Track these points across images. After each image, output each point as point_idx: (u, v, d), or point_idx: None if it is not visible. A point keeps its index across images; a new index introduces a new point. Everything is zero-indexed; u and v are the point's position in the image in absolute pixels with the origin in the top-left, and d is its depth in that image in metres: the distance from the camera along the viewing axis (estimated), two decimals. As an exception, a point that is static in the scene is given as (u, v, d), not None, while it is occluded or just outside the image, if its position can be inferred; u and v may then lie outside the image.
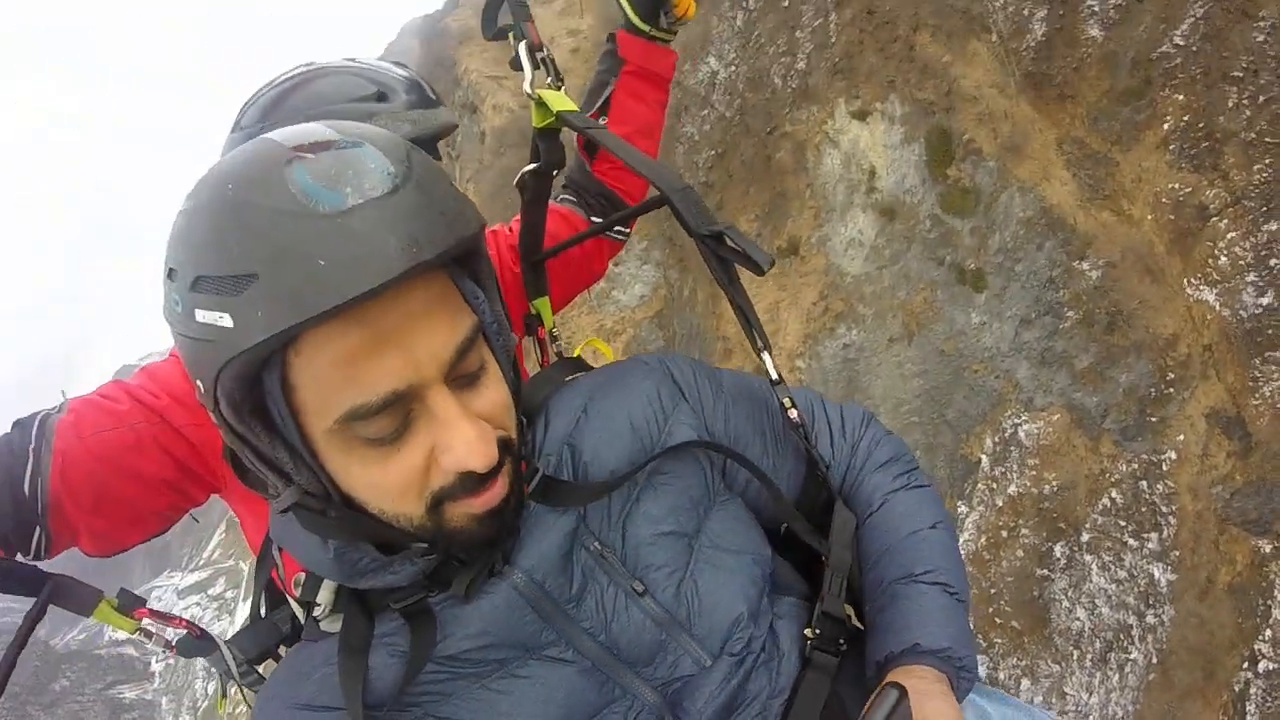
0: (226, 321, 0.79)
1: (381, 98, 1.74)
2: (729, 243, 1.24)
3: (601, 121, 1.99)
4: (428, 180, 0.87)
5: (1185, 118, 11.22)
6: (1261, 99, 10.48)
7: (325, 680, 1.05)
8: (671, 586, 1.15)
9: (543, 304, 1.84)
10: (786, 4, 15.71)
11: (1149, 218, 11.53)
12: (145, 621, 1.44)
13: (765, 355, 1.32)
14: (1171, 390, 9.27)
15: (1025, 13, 13.75)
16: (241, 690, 1.48)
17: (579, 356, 1.60)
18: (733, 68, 16.43)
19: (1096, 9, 12.91)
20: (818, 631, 1.21)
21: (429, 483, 0.94)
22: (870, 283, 12.24)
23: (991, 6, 14.31)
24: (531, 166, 1.66)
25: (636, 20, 1.98)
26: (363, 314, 0.81)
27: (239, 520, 1.82)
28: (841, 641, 1.21)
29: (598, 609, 1.12)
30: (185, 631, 1.50)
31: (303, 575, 1.14)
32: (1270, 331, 9.75)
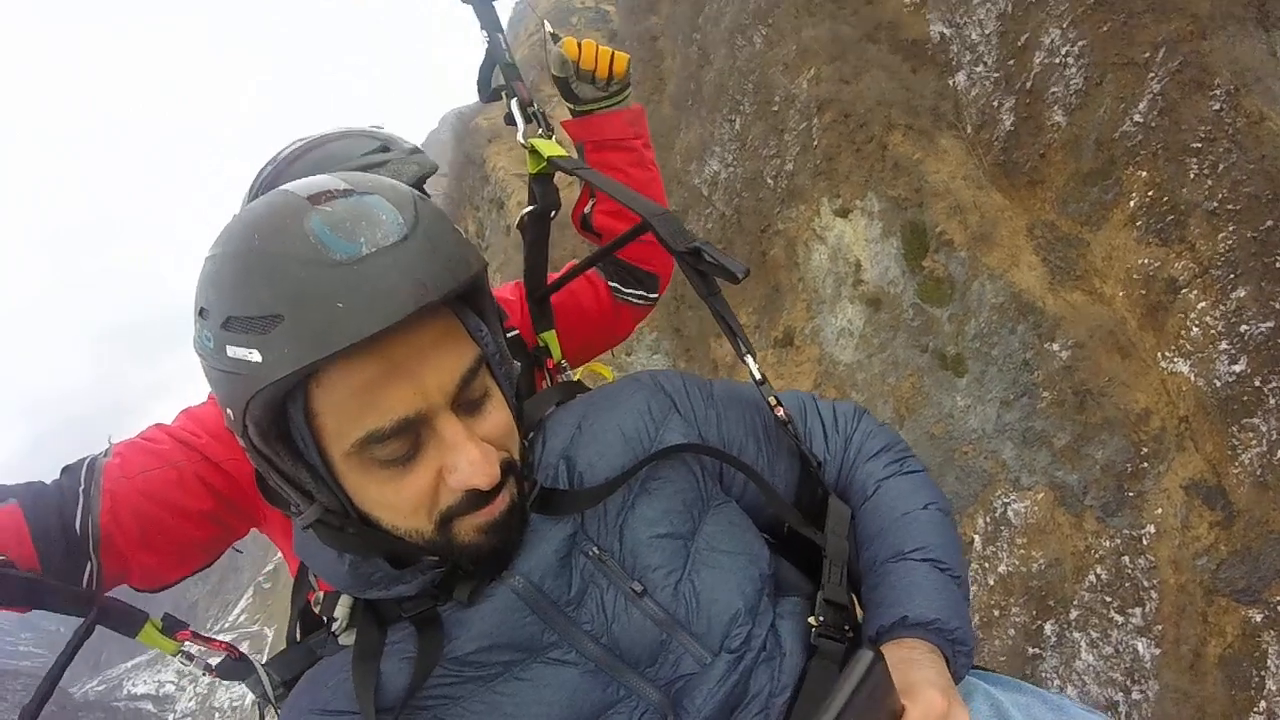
0: (256, 357, 0.89)
1: (385, 149, 1.87)
2: (706, 257, 1.31)
3: (590, 206, 2.11)
4: (434, 228, 0.98)
5: (1150, 193, 11.70)
6: (1220, 167, 10.92)
7: (340, 687, 1.12)
8: (669, 586, 1.17)
9: (550, 337, 1.92)
10: (776, 109, 16.44)
11: (1120, 294, 11.90)
12: (187, 644, 1.50)
13: (748, 359, 1.36)
14: (1146, 465, 9.48)
15: (995, 104, 14.40)
16: (276, 713, 1.52)
17: (578, 380, 1.72)
18: (731, 169, 17.11)
19: (1060, 94, 13.52)
20: (821, 619, 1.21)
21: (438, 501, 1.03)
22: (861, 370, 12.63)
23: (963, 100, 14.96)
24: (529, 209, 1.79)
25: (569, 105, 2.10)
26: (377, 348, 0.92)
27: (280, 551, 1.90)
28: (847, 628, 1.22)
29: (598, 611, 1.15)
30: (225, 654, 1.56)
31: (321, 594, 1.25)
32: (1245, 398, 9.98)
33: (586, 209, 2.11)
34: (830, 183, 17.15)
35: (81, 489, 1.54)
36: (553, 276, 2.03)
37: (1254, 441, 10.91)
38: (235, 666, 1.54)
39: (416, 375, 0.96)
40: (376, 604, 1.17)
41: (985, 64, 16.93)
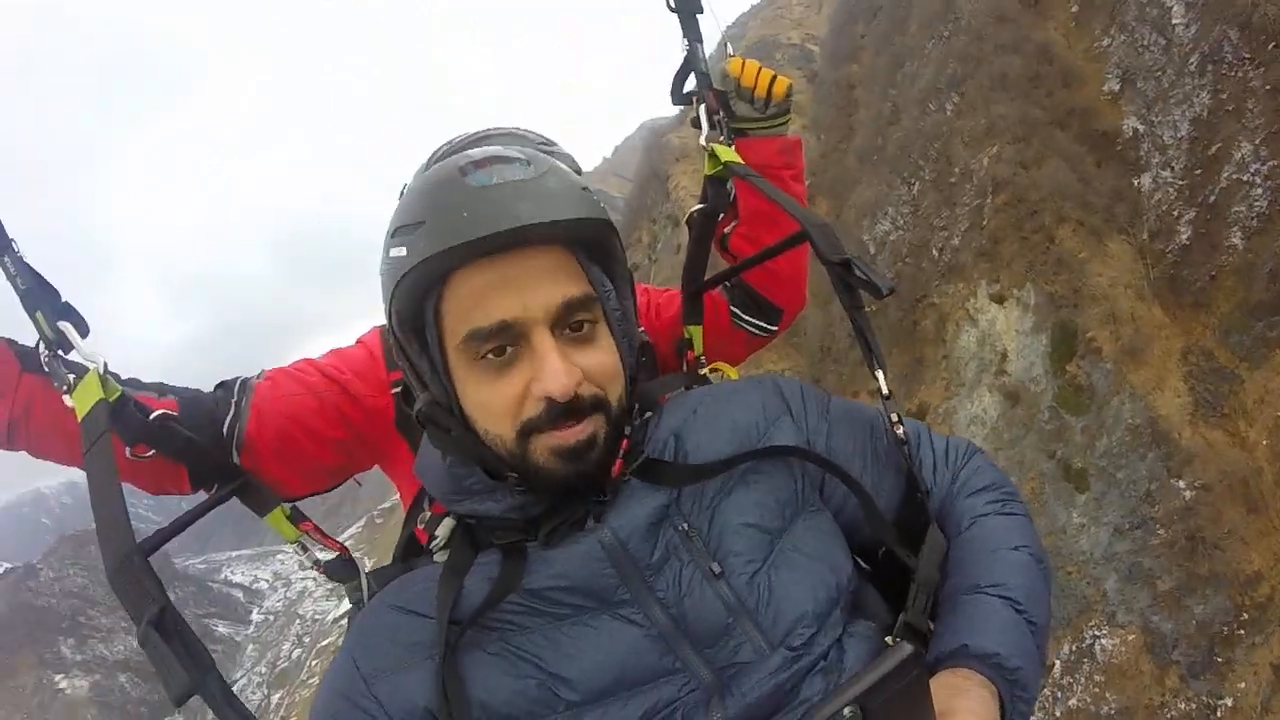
0: (403, 252, 1.11)
1: (549, 144, 1.92)
2: (856, 271, 1.35)
3: (730, 229, 2.19)
4: (560, 181, 1.16)
5: (1320, 338, 11.17)
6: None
7: (424, 593, 1.22)
8: (747, 574, 1.19)
9: (696, 331, 1.99)
10: (953, 181, 16.33)
11: (1264, 442, 11.44)
12: (306, 536, 1.58)
13: (879, 373, 1.39)
14: (1243, 632, 9.21)
15: (1175, 214, 13.99)
16: None
17: (705, 374, 1.82)
18: (901, 233, 17.14)
19: (1242, 215, 13.03)
20: (897, 640, 1.22)
21: (522, 411, 1.12)
22: (985, 461, 12.59)
23: (1144, 204, 14.52)
24: (699, 207, 1.88)
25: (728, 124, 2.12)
26: (496, 262, 1.09)
27: (399, 492, 2.03)
28: (924, 651, 1.21)
29: (674, 582, 1.18)
30: (338, 555, 1.63)
31: (428, 514, 1.36)
32: None
33: (728, 229, 2.18)
34: (992, 266, 16.72)
35: (234, 400, 1.76)
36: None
37: None
38: (342, 567, 1.62)
39: (522, 289, 1.09)
40: (472, 529, 1.27)
41: (1172, 169, 16.31)
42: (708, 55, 1.96)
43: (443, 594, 1.18)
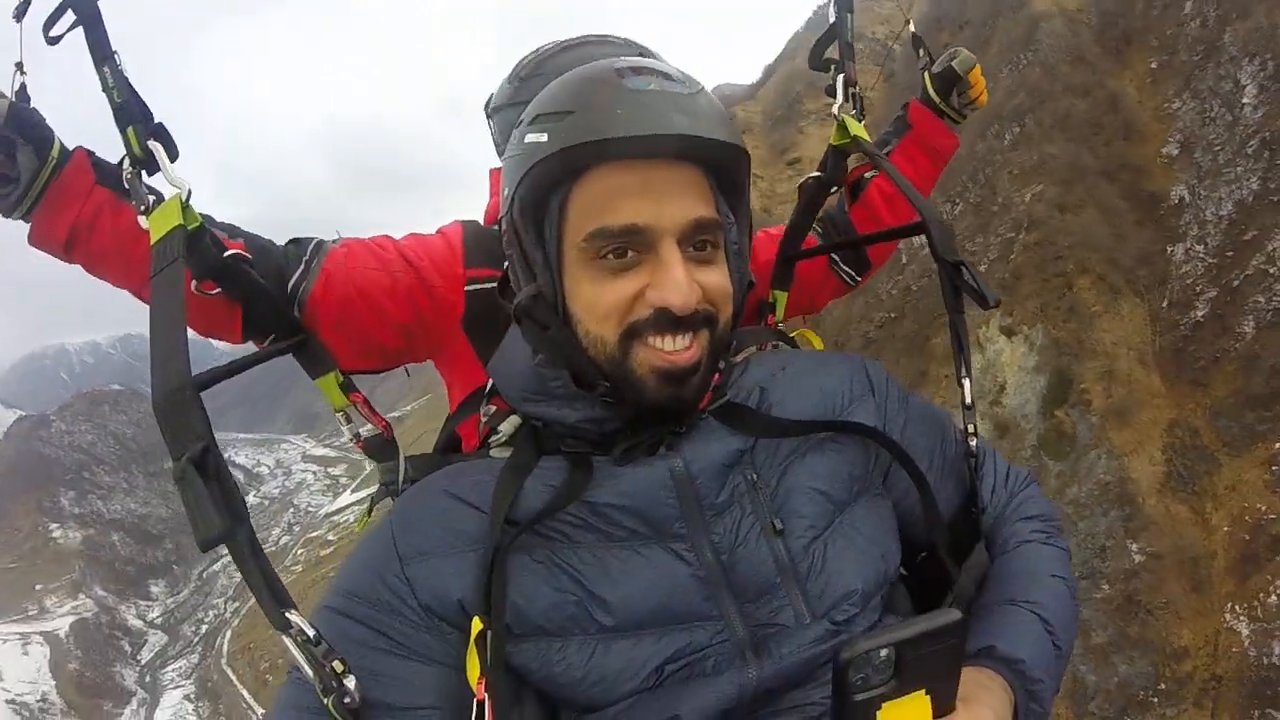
0: (543, 138, 1.09)
1: (644, 55, 1.89)
2: (966, 275, 1.37)
3: (871, 174, 2.19)
4: (711, 103, 1.14)
5: (1298, 442, 11.39)
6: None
7: (480, 486, 1.20)
8: (805, 539, 1.19)
9: (781, 296, 1.97)
10: (995, 209, 16.39)
11: (1225, 529, 11.71)
12: (353, 406, 1.58)
13: (965, 381, 1.42)
14: (1156, 701, 9.55)
15: (1197, 289, 14.08)
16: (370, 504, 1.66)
17: (793, 336, 1.81)
18: (935, 248, 17.38)
19: (1259, 305, 13.14)
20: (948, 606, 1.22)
21: (631, 312, 1.11)
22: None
23: (1171, 273, 14.59)
24: (817, 174, 1.88)
25: (931, 91, 2.17)
26: (636, 166, 1.07)
27: (448, 388, 2.02)
28: None
29: (732, 529, 1.17)
30: (381, 432, 1.63)
31: (492, 407, 1.35)
32: None
33: (868, 174, 2.19)
34: (1009, 299, 16.89)
35: (306, 258, 1.71)
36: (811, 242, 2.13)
37: None
38: (383, 446, 1.61)
39: (658, 198, 1.08)
40: (539, 432, 1.26)
41: (1206, 244, 16.32)
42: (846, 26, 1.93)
43: (501, 490, 1.17)
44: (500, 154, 1.96)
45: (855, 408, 1.33)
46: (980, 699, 1.03)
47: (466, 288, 1.80)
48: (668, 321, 1.09)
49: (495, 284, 1.52)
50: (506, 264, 1.25)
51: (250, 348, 1.64)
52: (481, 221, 1.99)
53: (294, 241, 1.77)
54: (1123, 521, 11.36)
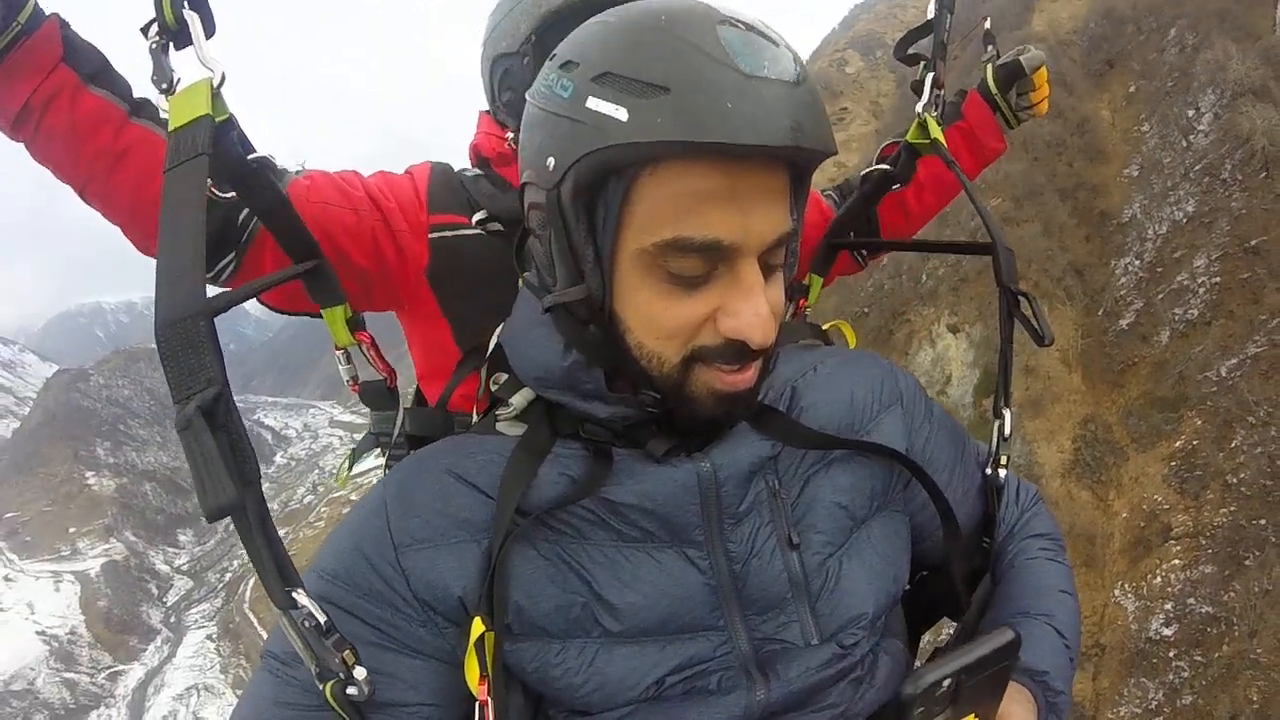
0: (622, 115, 0.84)
1: None
2: (1026, 307, 1.31)
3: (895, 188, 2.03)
4: (817, 97, 0.92)
5: (1195, 442, 12.59)
6: (1259, 450, 11.60)
7: (488, 466, 1.06)
8: (821, 555, 1.10)
9: (816, 281, 1.86)
10: (947, 214, 17.42)
11: (1124, 515, 12.81)
12: (358, 347, 1.40)
13: (1006, 412, 1.35)
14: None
15: (1128, 300, 15.07)
16: (388, 460, 1.53)
17: (825, 329, 1.68)
18: (902, 253, 18.47)
19: (1176, 317, 14.13)
20: (1002, 626, 1.09)
21: (697, 337, 0.95)
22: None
23: (1111, 285, 15.51)
24: (884, 168, 1.76)
25: (992, 84, 2.02)
26: (730, 167, 0.87)
27: (408, 341, 1.83)
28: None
29: (748, 539, 1.07)
30: (384, 378, 1.48)
31: (503, 376, 1.17)
32: (1155, 660, 10.88)
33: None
34: (956, 299, 18.04)
35: None
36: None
37: (1137, 700, 11.69)
38: (381, 394, 1.49)
39: (746, 209, 0.89)
40: (556, 412, 1.10)
41: (1141, 260, 17.10)
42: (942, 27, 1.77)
43: (513, 477, 1.04)
44: (504, 96, 1.75)
45: (884, 417, 1.23)
46: (1016, 713, 1.04)
47: (430, 235, 1.63)
48: (736, 352, 0.96)
49: (460, 230, 1.56)
50: (531, 238, 1.05)
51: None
52: (468, 162, 1.82)
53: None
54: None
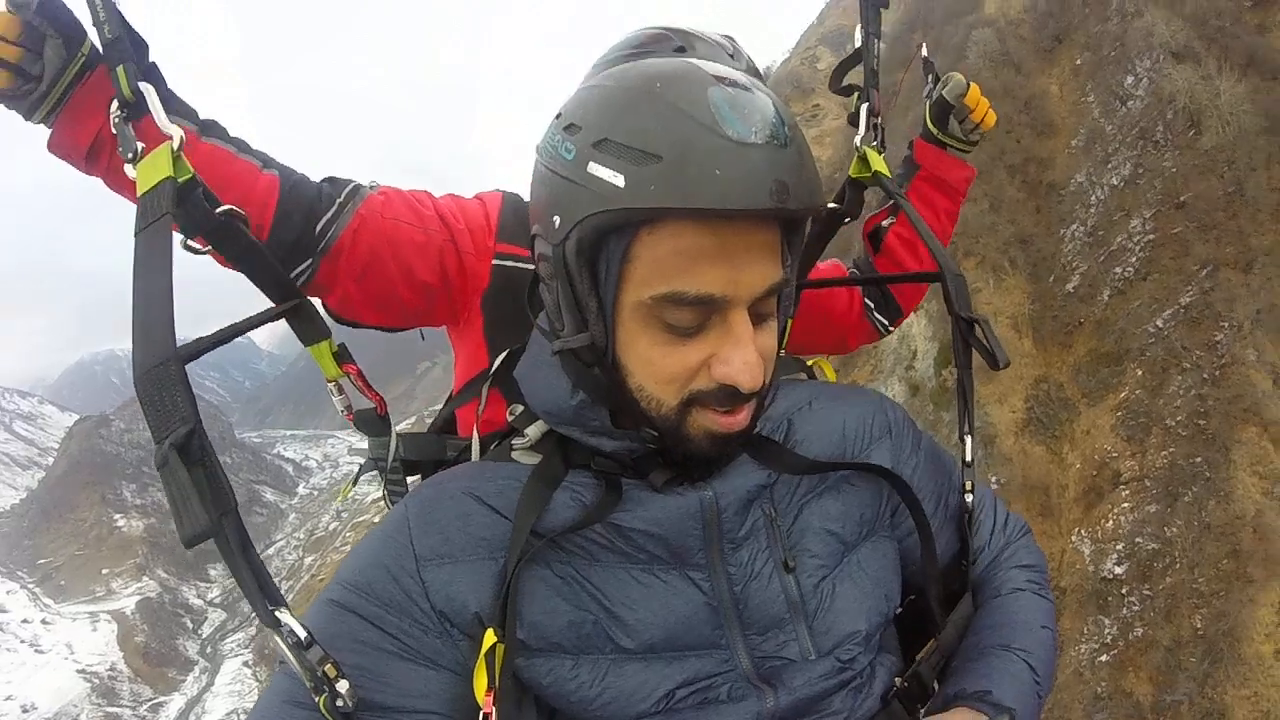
0: (619, 181, 0.90)
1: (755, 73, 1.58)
2: (979, 333, 1.33)
3: (889, 222, 2.06)
4: (804, 149, 0.96)
5: (1138, 391, 13.30)
6: (1191, 393, 12.27)
7: (506, 490, 1.12)
8: (816, 577, 1.15)
9: (787, 323, 1.76)
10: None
11: (1077, 466, 13.43)
12: (347, 378, 1.39)
13: (967, 438, 1.36)
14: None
15: (1074, 265, 15.67)
16: (385, 484, 1.56)
17: (810, 364, 1.70)
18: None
19: (1117, 275, 14.72)
20: (905, 685, 1.20)
21: (693, 383, 1.00)
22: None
23: (1062, 252, 16.04)
24: (833, 205, 1.70)
25: (931, 125, 2.03)
26: (720, 227, 0.92)
27: (455, 357, 1.86)
28: (920, 707, 1.20)
29: (747, 563, 1.12)
30: (373, 406, 1.49)
31: (519, 407, 1.21)
32: (1109, 598, 11.52)
33: (885, 222, 2.09)
34: None
35: (340, 200, 1.59)
36: (821, 271, 2.02)
37: (1095, 639, 12.35)
38: (373, 421, 1.51)
39: (737, 265, 0.95)
40: (569, 445, 1.16)
41: (1086, 226, 17.56)
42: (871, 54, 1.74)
43: (529, 501, 1.09)
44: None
45: (874, 448, 1.30)
46: None
47: (494, 261, 1.70)
48: (729, 396, 1.00)
49: (522, 263, 1.60)
50: (541, 285, 1.12)
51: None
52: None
53: (329, 180, 1.64)
54: (985, 459, 13.13)
